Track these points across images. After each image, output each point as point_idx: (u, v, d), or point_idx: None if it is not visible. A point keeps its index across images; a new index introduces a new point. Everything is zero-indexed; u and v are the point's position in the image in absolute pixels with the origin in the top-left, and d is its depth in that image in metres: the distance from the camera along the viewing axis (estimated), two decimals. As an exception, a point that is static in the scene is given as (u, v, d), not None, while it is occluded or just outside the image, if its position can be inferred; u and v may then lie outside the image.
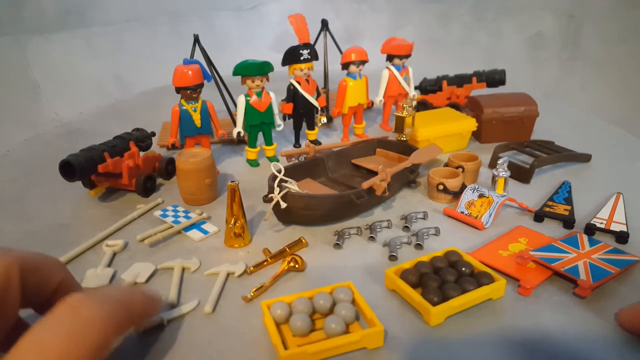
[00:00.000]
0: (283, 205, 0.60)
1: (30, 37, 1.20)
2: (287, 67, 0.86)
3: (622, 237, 0.58)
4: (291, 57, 0.84)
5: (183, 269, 0.55)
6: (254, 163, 0.87)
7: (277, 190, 0.60)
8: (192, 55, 0.96)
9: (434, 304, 0.45)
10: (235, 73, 0.79)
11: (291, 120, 0.91)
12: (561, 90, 1.28)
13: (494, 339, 0.44)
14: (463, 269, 0.50)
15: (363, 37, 1.69)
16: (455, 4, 1.65)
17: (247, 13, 1.79)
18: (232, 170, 0.85)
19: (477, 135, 0.95)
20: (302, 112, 0.89)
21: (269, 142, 0.87)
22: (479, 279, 0.48)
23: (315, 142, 0.94)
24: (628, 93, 1.10)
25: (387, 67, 0.97)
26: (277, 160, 0.86)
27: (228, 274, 0.54)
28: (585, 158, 0.83)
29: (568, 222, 0.62)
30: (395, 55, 0.96)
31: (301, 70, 0.85)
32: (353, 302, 0.47)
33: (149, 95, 1.38)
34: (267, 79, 0.81)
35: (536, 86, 1.26)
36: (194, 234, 0.63)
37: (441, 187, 0.68)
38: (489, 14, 1.57)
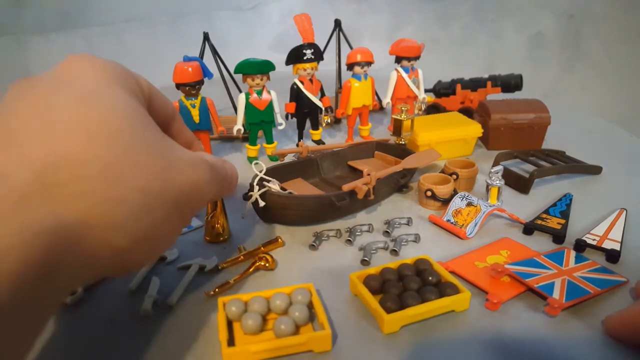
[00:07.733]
0: (261, 203, 0.60)
1: (30, 37, 1.22)
2: (291, 67, 0.86)
3: (612, 256, 0.55)
4: (294, 56, 0.84)
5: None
6: (254, 161, 0.88)
7: (256, 188, 0.61)
8: (201, 53, 0.98)
9: (390, 311, 0.44)
10: (236, 71, 0.81)
11: (295, 119, 0.91)
12: (561, 90, 1.25)
13: (449, 352, 0.43)
14: (430, 278, 0.49)
15: (363, 37, 1.65)
16: (455, 4, 1.62)
17: (247, 13, 1.80)
18: (231, 166, 0.86)
19: (485, 142, 0.92)
20: (306, 112, 0.89)
21: (269, 140, 0.88)
22: (443, 290, 0.47)
23: (319, 142, 0.94)
24: (628, 93, 1.06)
25: (396, 69, 0.96)
26: (277, 159, 0.86)
27: (200, 268, 0.55)
28: (595, 170, 0.79)
29: (558, 236, 0.59)
30: (404, 57, 0.94)
31: (304, 70, 0.85)
32: (310, 304, 0.46)
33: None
34: (268, 78, 0.82)
35: (536, 86, 1.23)
36: (178, 227, 0.64)
37: (429, 193, 0.67)
38: (489, 14, 1.54)
